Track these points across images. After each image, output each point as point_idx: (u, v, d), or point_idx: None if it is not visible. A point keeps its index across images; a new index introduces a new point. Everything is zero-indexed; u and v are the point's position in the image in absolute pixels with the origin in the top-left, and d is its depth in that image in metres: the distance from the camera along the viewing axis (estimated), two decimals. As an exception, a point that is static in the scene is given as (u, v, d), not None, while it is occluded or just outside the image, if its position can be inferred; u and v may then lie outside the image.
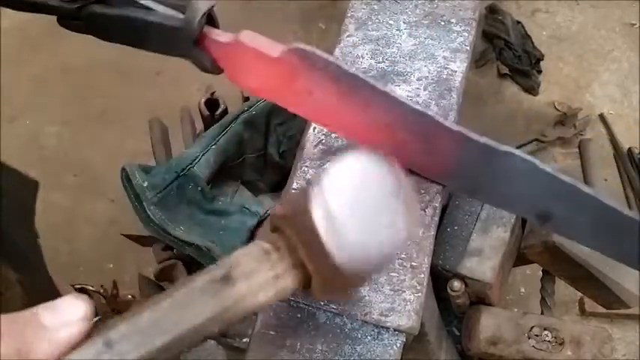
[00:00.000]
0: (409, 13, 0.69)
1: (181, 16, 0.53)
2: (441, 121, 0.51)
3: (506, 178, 0.52)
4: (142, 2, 0.53)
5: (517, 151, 0.50)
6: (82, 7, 0.55)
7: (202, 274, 0.37)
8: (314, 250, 0.37)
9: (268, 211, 0.78)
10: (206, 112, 0.85)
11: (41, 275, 0.49)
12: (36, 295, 0.46)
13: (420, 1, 0.70)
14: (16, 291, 0.43)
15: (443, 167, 0.56)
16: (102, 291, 1.44)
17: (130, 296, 1.51)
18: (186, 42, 0.53)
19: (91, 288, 1.42)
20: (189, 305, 0.36)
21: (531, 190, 0.51)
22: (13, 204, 0.50)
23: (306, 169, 0.59)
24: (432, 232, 0.56)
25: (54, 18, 0.56)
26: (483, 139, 0.51)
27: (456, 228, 0.66)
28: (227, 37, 0.53)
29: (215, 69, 0.55)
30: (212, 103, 0.85)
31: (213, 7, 0.53)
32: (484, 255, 0.64)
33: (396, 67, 0.64)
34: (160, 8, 0.54)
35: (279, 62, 0.52)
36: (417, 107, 0.51)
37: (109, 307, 1.42)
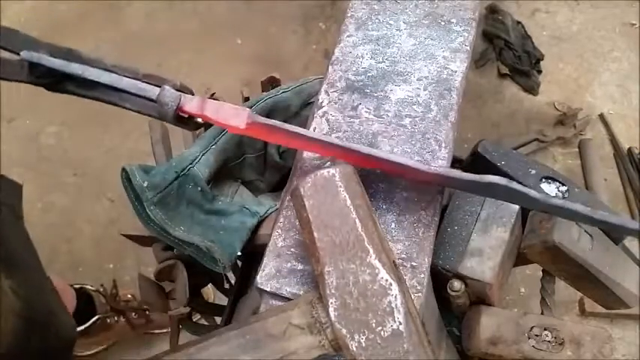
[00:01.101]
0: (409, 13, 0.69)
1: (154, 93, 0.56)
2: (420, 167, 0.53)
3: (501, 195, 0.54)
4: (108, 84, 0.55)
5: (502, 181, 0.51)
6: (55, 83, 0.58)
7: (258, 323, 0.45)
8: None
9: (268, 211, 0.77)
10: (206, 112, 0.85)
11: (36, 278, 0.49)
12: (30, 302, 0.46)
13: (420, 1, 0.70)
14: (9, 300, 0.43)
15: (435, 185, 0.57)
16: (102, 291, 1.43)
17: (129, 296, 1.51)
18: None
19: (90, 288, 1.42)
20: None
21: (526, 205, 0.53)
22: (6, 208, 0.51)
23: (306, 169, 0.59)
24: (432, 232, 0.56)
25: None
26: (466, 176, 0.52)
27: (456, 228, 0.66)
28: (195, 107, 0.56)
29: (197, 127, 0.61)
30: (212, 103, 0.85)
31: (181, 91, 0.57)
32: (484, 255, 0.64)
33: (396, 67, 0.64)
34: (124, 83, 0.57)
35: (247, 130, 0.56)
36: (396, 159, 0.53)
37: (109, 307, 1.42)
